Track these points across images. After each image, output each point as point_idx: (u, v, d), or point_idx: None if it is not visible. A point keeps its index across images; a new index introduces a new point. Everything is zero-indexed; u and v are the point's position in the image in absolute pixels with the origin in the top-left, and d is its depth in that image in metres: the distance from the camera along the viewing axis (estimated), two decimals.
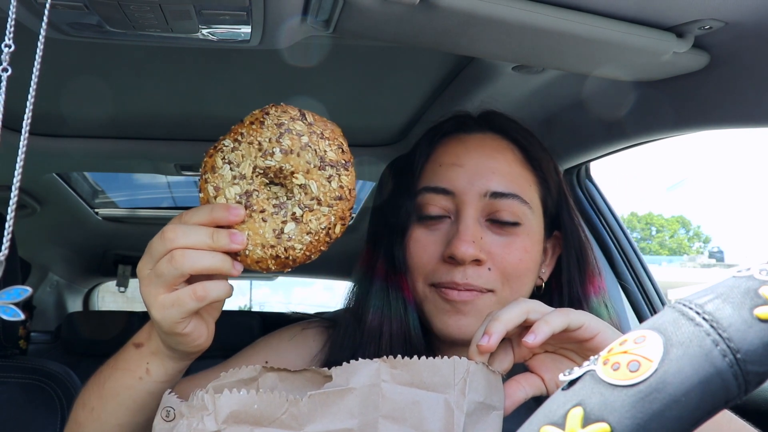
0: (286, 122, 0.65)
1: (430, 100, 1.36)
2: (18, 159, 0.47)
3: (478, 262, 0.80)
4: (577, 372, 0.36)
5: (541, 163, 0.87)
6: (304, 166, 0.64)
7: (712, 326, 0.34)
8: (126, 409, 0.73)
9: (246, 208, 0.64)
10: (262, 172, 0.65)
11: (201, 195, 0.67)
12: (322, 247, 0.66)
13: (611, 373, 0.34)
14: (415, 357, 0.63)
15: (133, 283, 3.15)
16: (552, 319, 0.64)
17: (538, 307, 0.67)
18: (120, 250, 2.97)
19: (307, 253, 0.65)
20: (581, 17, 0.75)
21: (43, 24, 0.51)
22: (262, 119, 0.66)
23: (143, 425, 0.74)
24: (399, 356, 0.62)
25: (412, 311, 0.85)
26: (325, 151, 0.64)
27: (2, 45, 0.48)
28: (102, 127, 1.55)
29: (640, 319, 1.42)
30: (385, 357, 0.62)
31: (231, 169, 0.66)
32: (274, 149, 0.64)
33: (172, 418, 0.63)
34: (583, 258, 0.88)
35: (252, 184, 0.65)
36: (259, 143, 0.65)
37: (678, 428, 0.32)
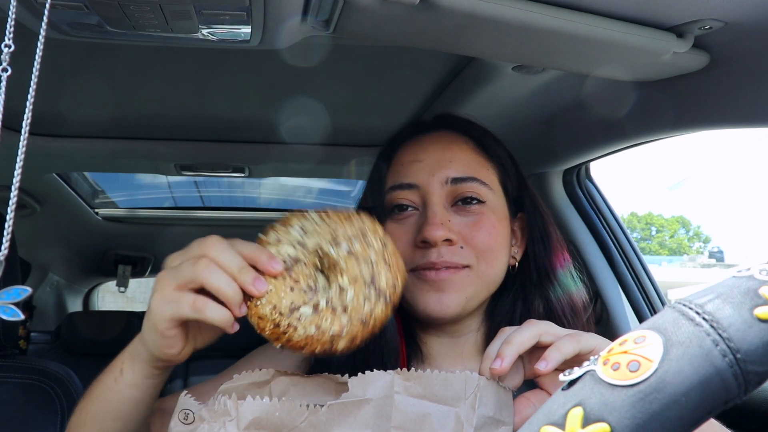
0: (369, 234, 0.68)
1: (430, 100, 1.36)
2: (18, 159, 0.47)
3: (449, 242, 0.84)
4: (577, 372, 0.36)
5: (495, 151, 0.93)
6: (355, 273, 0.65)
7: (712, 326, 0.34)
8: (105, 412, 0.72)
9: (286, 269, 0.66)
10: (320, 254, 0.67)
11: (263, 237, 0.69)
12: (316, 348, 0.64)
13: (611, 373, 0.34)
14: (428, 370, 0.64)
15: (133, 283, 3.15)
16: (563, 346, 0.65)
17: (551, 329, 0.68)
18: (120, 250, 2.97)
19: (302, 343, 0.64)
20: (581, 17, 0.75)
21: (43, 24, 0.51)
22: (352, 219, 0.69)
23: None
24: (413, 369, 0.63)
25: None
26: (380, 276, 0.66)
27: (2, 45, 0.48)
28: (102, 127, 1.55)
29: (640, 319, 1.42)
30: (399, 369, 0.63)
31: (299, 234, 0.68)
32: (343, 244, 0.66)
33: (191, 421, 0.63)
34: (546, 234, 0.93)
35: (305, 257, 0.67)
36: (336, 232, 0.67)
37: (678, 428, 0.32)
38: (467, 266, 0.85)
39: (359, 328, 0.64)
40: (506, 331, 0.69)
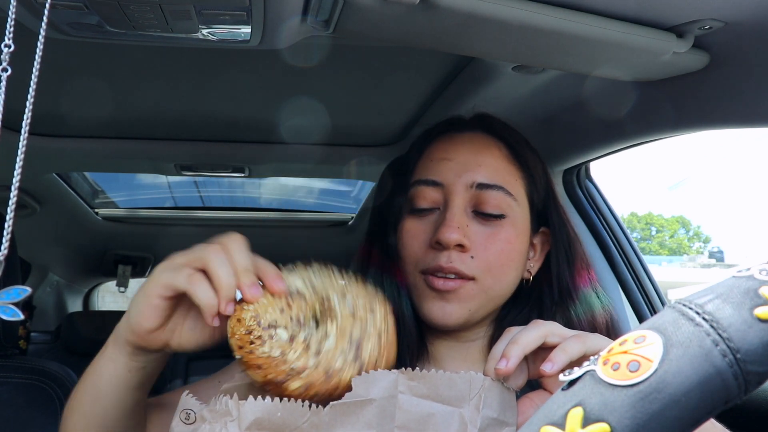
0: (377, 309, 0.67)
1: (430, 100, 1.36)
2: (18, 159, 0.47)
3: (462, 248, 0.83)
4: (577, 372, 0.36)
5: (527, 161, 0.91)
6: (346, 328, 0.64)
7: (712, 326, 0.34)
8: (90, 406, 0.72)
9: (286, 294, 0.65)
10: (323, 301, 0.66)
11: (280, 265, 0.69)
12: (269, 374, 0.61)
13: (611, 373, 0.34)
14: (433, 370, 0.63)
15: (133, 283, 3.15)
16: (569, 347, 0.64)
17: (557, 330, 0.68)
18: (120, 250, 2.97)
19: (259, 362, 0.61)
20: (581, 17, 0.75)
21: (43, 24, 0.51)
22: (368, 289, 0.69)
23: None
24: (417, 369, 0.63)
25: (404, 296, 0.88)
26: (367, 346, 0.65)
27: (2, 45, 0.48)
28: (102, 127, 1.55)
29: (640, 319, 1.42)
30: (403, 369, 0.63)
31: (314, 277, 0.68)
32: (350, 302, 0.66)
33: (193, 421, 0.62)
34: (572, 252, 0.91)
35: (310, 297, 0.66)
36: (348, 291, 0.67)
37: (678, 428, 0.32)
38: (473, 278, 0.84)
39: (321, 378, 0.61)
40: (512, 331, 0.69)
